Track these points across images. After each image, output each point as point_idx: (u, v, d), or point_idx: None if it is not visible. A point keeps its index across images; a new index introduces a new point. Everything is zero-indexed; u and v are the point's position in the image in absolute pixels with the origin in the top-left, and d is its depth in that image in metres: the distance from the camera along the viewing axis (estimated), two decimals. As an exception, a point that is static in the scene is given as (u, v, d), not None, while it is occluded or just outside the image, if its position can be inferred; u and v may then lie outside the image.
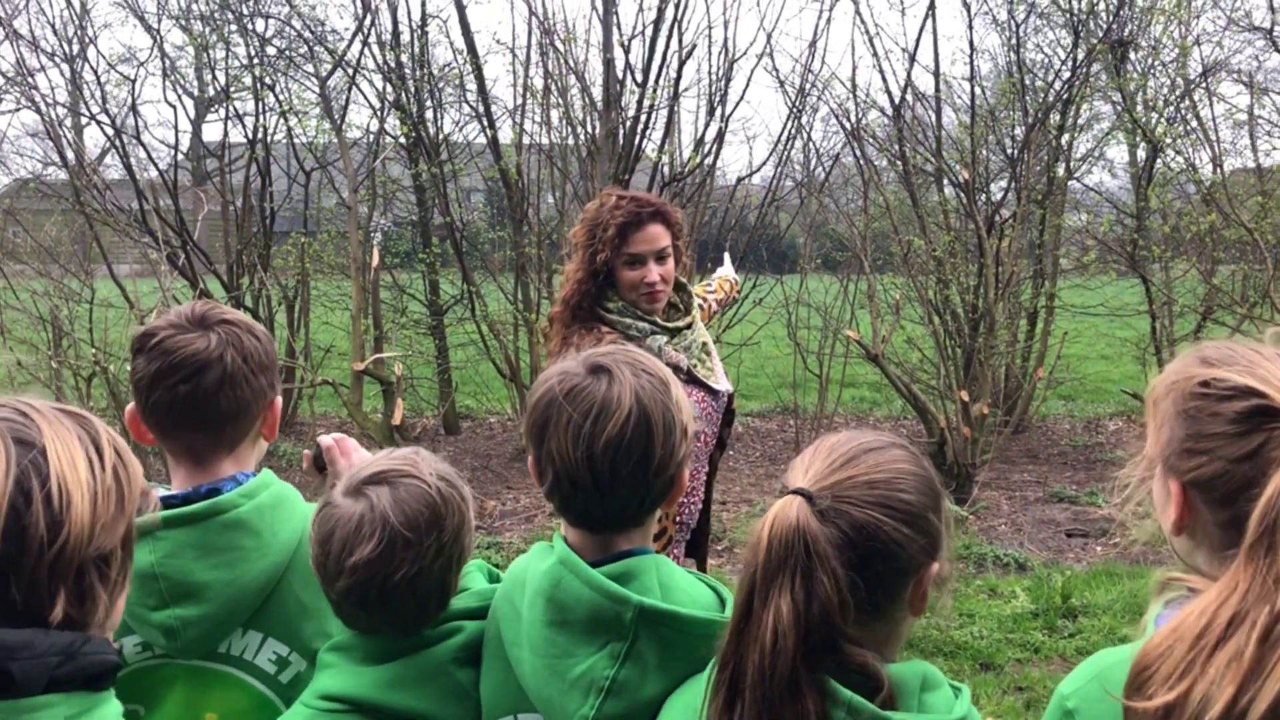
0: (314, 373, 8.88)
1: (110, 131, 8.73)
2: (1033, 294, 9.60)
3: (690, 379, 3.09)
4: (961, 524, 6.95)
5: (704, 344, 3.19)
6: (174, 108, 16.56)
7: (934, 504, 1.33)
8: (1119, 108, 9.59)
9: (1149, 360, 9.39)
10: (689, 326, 3.14)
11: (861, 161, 9.01)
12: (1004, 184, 9.82)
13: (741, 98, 15.82)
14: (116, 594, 1.10)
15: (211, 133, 12.48)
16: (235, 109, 9.73)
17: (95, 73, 9.34)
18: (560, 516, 1.55)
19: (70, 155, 8.29)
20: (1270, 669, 1.08)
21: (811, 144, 9.82)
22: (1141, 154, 10.39)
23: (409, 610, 1.54)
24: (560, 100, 8.14)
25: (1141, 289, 9.35)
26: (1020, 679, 4.75)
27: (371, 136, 9.71)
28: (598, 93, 7.98)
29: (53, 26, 9.21)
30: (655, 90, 7.83)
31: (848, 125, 8.87)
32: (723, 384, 3.20)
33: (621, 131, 7.77)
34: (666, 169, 8.50)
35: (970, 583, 5.97)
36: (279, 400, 1.81)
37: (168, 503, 1.64)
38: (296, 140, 9.80)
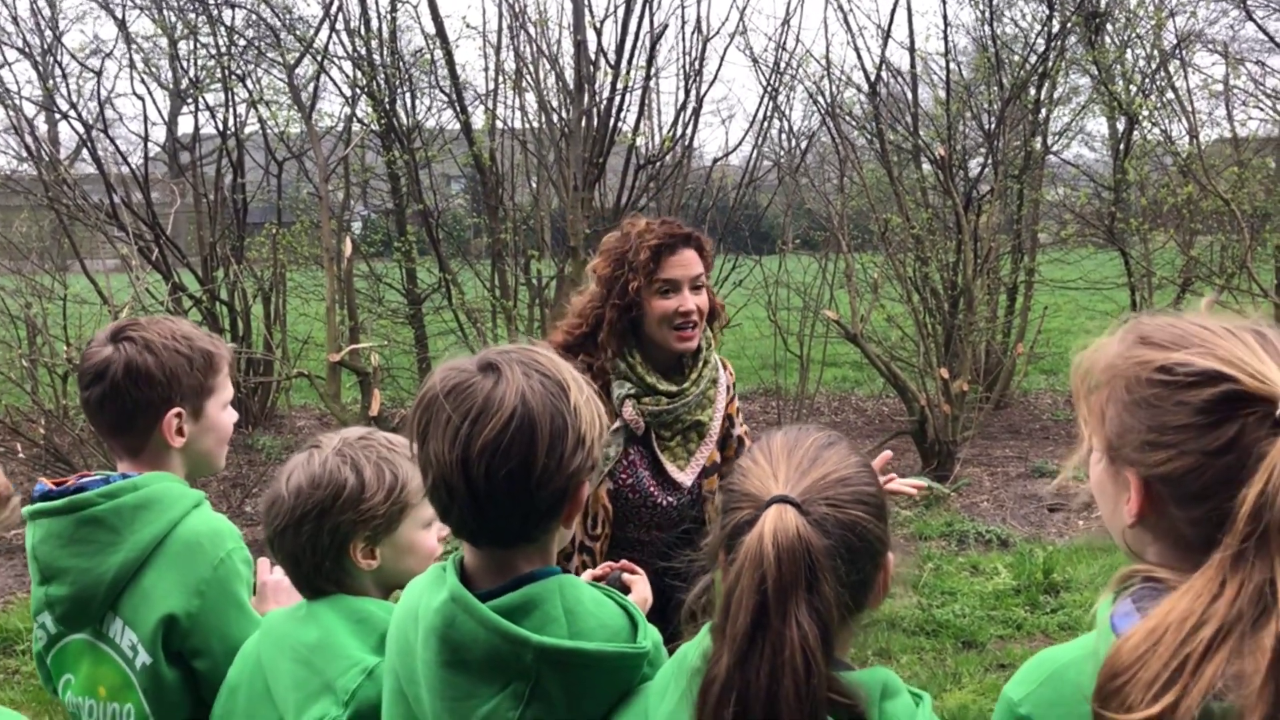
0: (291, 365, 8.81)
1: (81, 128, 8.64)
2: (1012, 269, 9.59)
3: (646, 448, 2.81)
4: (943, 501, 6.95)
5: (700, 424, 2.86)
6: (142, 99, 16.42)
7: (881, 490, 1.30)
8: (1095, 80, 9.57)
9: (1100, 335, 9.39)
10: (693, 385, 2.80)
11: (838, 140, 8.97)
12: (981, 160, 9.80)
13: (715, 77, 15.61)
14: None
15: (184, 125, 12.37)
16: (206, 101, 9.62)
17: (61, 68, 9.24)
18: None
19: (39, 150, 8.18)
20: None
21: (788, 123, 9.76)
22: (1119, 126, 10.38)
23: (288, 564, 1.74)
24: (532, 84, 8.06)
25: (1120, 261, 9.35)
26: (1003, 656, 4.75)
27: (343, 124, 9.62)
28: (570, 75, 7.91)
29: (15, 18, 9.08)
30: (629, 71, 7.76)
31: (823, 103, 8.83)
32: (684, 475, 2.83)
33: (595, 113, 7.70)
34: (643, 150, 8.44)
35: (952, 560, 5.96)
36: (190, 409, 1.95)
37: (47, 495, 1.88)
38: (269, 130, 9.71)
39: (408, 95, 8.97)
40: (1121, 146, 9.94)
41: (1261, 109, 9.34)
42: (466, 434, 1.33)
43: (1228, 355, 1.10)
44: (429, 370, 9.28)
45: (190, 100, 9.87)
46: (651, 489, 2.81)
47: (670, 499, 2.84)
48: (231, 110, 9.28)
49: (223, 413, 2.02)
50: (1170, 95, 8.73)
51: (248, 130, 9.67)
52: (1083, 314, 12.05)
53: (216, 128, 9.44)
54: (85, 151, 8.99)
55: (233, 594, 1.89)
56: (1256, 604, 1.02)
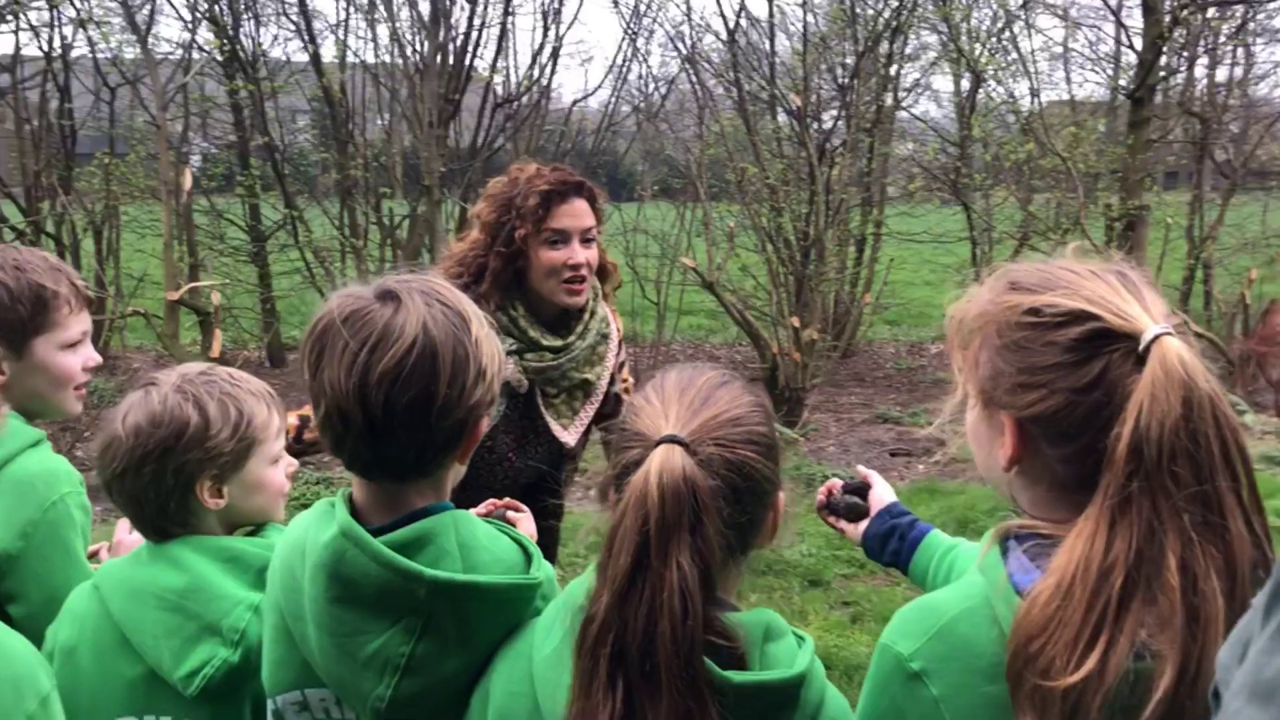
0: (126, 303, 8.39)
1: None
2: (861, 221, 9.83)
3: (527, 407, 2.70)
4: (792, 446, 7.11)
5: (586, 382, 2.74)
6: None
7: (774, 430, 1.29)
8: (944, 38, 9.83)
9: (969, 285, 9.77)
10: (579, 340, 2.67)
11: (696, 87, 8.98)
12: (835, 112, 9.97)
13: (575, 18, 15.36)
14: None
15: (2, 45, 11.54)
16: (29, 20, 8.99)
17: None
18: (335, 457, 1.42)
19: None
20: (1209, 619, 1.01)
21: (647, 67, 9.73)
22: (965, 84, 10.71)
23: (129, 508, 1.63)
24: (386, 16, 7.80)
25: (963, 216, 9.68)
26: (847, 594, 4.91)
27: (182, 51, 9.14)
28: (425, 8, 7.68)
29: None
30: (485, 7, 7.59)
31: (683, 49, 8.82)
32: (568, 434, 2.74)
33: (451, 49, 7.51)
34: (499, 90, 8.29)
35: (800, 502, 6.09)
36: (9, 346, 1.81)
37: None
38: (99, 54, 9.15)
39: (252, 22, 8.58)
40: (967, 104, 10.26)
41: (1097, 72, 9.77)
42: (365, 361, 1.28)
43: (1092, 295, 1.13)
44: (272, 311, 8.96)
45: (9, 18, 9.20)
46: (509, 453, 2.72)
47: (530, 462, 2.75)
48: (57, 30, 8.71)
49: (60, 354, 1.88)
50: (1014, 55, 9.05)
51: (75, 53, 9.10)
52: (926, 267, 12.47)
53: (40, 48, 8.85)
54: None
55: (62, 540, 1.78)
56: (1151, 542, 1.04)
